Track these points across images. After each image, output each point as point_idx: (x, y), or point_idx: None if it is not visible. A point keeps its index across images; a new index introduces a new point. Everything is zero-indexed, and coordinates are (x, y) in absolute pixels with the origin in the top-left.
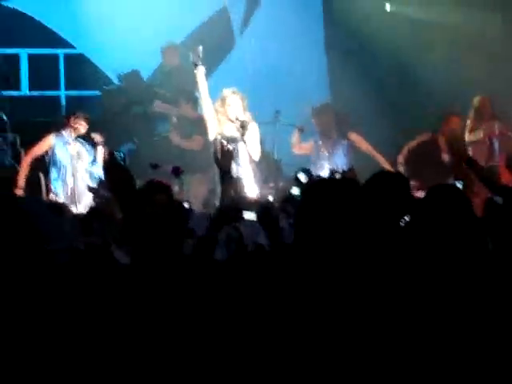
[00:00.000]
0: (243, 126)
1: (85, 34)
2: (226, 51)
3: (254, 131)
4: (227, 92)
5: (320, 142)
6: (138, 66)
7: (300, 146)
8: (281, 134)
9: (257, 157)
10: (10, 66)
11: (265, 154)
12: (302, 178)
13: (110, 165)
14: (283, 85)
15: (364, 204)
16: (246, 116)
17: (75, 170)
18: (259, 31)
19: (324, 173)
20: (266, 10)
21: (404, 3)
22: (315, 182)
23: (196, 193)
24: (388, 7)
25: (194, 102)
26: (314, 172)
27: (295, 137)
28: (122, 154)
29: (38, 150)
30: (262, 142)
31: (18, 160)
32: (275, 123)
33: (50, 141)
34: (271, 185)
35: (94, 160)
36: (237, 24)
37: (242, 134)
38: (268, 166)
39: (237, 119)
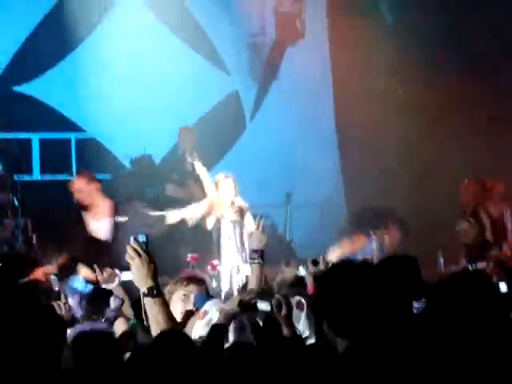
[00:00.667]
0: (241, 211)
1: (96, 118)
2: (237, 134)
3: (250, 216)
4: (220, 176)
5: None
6: (150, 149)
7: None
8: (292, 216)
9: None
10: (21, 150)
11: (277, 236)
12: (311, 267)
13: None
14: (294, 167)
15: (376, 288)
16: (238, 200)
17: None
18: (270, 115)
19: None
20: (277, 96)
21: None
22: (328, 270)
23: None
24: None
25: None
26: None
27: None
28: (144, 238)
29: None
30: (273, 224)
31: (29, 245)
32: (287, 205)
33: None
34: (282, 267)
35: None
36: (248, 108)
37: (241, 218)
38: (280, 248)
39: (233, 203)
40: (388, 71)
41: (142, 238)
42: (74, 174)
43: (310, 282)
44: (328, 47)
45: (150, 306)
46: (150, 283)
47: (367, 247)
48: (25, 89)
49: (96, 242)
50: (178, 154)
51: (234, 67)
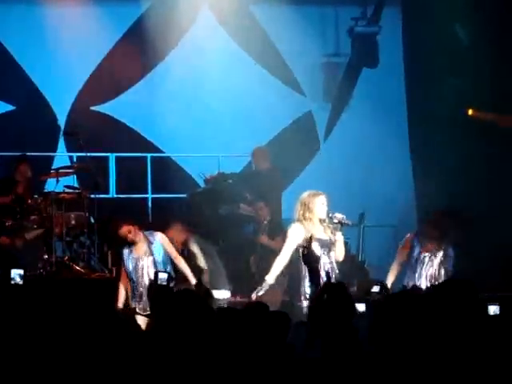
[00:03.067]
0: (340, 223)
1: (171, 137)
2: (310, 154)
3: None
4: (314, 193)
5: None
6: (224, 168)
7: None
8: (366, 237)
9: (342, 257)
10: (98, 169)
11: (349, 256)
12: (376, 290)
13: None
14: (368, 187)
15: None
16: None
17: (141, 270)
18: (344, 135)
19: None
20: (351, 117)
21: None
22: (386, 299)
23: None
24: None
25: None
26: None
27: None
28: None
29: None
30: (346, 244)
31: (104, 263)
32: (360, 225)
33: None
34: (355, 287)
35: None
36: (321, 128)
37: (333, 234)
38: (351, 268)
39: (330, 217)
40: (461, 94)
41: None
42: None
43: None
44: (403, 73)
45: None
46: None
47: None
48: (102, 108)
49: None
50: (252, 172)
51: (308, 87)
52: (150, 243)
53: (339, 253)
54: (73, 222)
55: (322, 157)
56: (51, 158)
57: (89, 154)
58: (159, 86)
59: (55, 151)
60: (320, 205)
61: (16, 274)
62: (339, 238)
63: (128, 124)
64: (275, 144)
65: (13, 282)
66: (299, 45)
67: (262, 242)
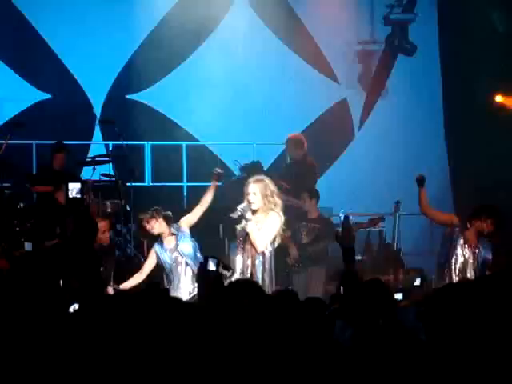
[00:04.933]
0: None
1: (206, 126)
2: (345, 142)
3: None
4: None
5: None
6: (259, 156)
7: (438, 216)
8: (401, 224)
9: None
10: (135, 157)
11: (385, 244)
12: (418, 283)
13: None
14: (403, 175)
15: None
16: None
17: (177, 264)
18: (379, 123)
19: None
20: (386, 105)
21: None
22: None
23: (314, 285)
24: None
25: (318, 199)
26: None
27: (422, 195)
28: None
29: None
30: (382, 232)
31: (140, 250)
32: (395, 213)
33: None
34: (391, 276)
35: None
36: (356, 116)
37: None
38: (387, 256)
39: None
40: (496, 81)
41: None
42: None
43: None
44: (439, 60)
45: None
46: None
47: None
48: (138, 97)
49: None
50: (287, 161)
51: (343, 75)
52: (176, 236)
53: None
54: (109, 210)
55: (356, 144)
56: (87, 147)
57: (125, 143)
58: (194, 74)
59: (91, 139)
60: None
61: None
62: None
63: (163, 112)
64: (310, 132)
65: None
66: (334, 33)
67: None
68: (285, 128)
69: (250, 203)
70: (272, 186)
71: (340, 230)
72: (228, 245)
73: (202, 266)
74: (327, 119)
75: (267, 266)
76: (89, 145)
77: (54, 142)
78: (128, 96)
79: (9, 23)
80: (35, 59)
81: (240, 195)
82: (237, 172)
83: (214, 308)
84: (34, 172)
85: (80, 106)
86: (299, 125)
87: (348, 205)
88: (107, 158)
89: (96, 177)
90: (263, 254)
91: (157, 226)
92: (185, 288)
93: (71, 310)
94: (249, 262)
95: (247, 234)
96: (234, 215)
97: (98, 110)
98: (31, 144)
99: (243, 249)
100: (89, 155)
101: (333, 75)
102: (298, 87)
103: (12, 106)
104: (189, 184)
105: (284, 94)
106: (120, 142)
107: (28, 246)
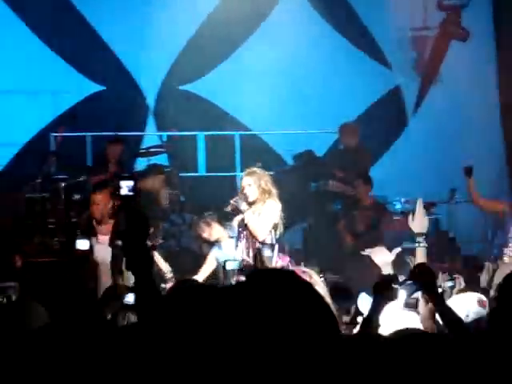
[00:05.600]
0: None
1: (259, 115)
2: (398, 129)
3: None
4: None
5: None
6: (312, 144)
7: (486, 204)
8: (456, 212)
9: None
10: (188, 148)
11: (440, 232)
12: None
13: None
14: (458, 162)
15: None
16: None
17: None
18: (432, 110)
19: None
20: (439, 92)
21: None
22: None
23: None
24: None
25: (371, 186)
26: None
27: (470, 185)
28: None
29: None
30: (437, 220)
31: (194, 240)
32: (451, 201)
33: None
34: (446, 264)
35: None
36: (410, 103)
37: None
38: (442, 244)
39: None
40: None
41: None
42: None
43: None
44: (494, 45)
45: None
46: None
47: None
48: (191, 87)
49: None
50: (340, 149)
51: (396, 62)
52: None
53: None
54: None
55: (410, 132)
56: (141, 138)
57: (178, 134)
58: (247, 63)
59: (144, 131)
60: None
61: None
62: None
63: (216, 103)
64: (363, 120)
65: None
66: (387, 19)
67: (330, 187)
68: (337, 116)
69: (246, 196)
70: (265, 176)
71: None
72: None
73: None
74: (380, 106)
75: (267, 254)
76: (142, 136)
77: (108, 133)
78: (181, 87)
79: (62, 16)
80: (89, 51)
81: (293, 185)
82: (289, 161)
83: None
84: (89, 164)
85: (133, 97)
86: (352, 112)
87: (402, 193)
88: (161, 149)
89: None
90: (263, 244)
91: (214, 232)
92: None
93: (125, 300)
94: (250, 252)
95: (246, 225)
96: (228, 209)
97: (151, 102)
98: (86, 136)
99: (245, 238)
100: (142, 146)
101: (386, 62)
102: (350, 75)
103: (67, 98)
104: (242, 174)
105: (337, 82)
106: (173, 133)
107: (82, 244)
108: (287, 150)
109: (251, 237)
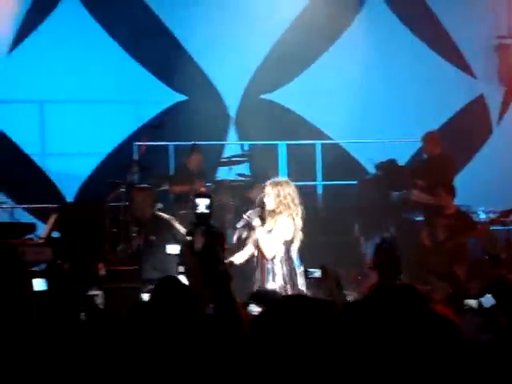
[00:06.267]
0: None
1: (340, 125)
2: (482, 138)
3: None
4: None
5: None
6: (394, 154)
7: None
8: None
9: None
10: (268, 156)
11: None
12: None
13: None
14: None
15: None
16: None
17: None
18: None
19: None
20: None
21: None
22: None
23: None
24: None
25: (454, 194)
26: None
27: None
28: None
29: None
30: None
31: None
32: None
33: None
34: None
35: None
36: (494, 111)
37: None
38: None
39: None
40: None
41: None
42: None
43: None
44: None
45: None
46: None
47: None
48: (272, 96)
49: None
50: (423, 158)
51: (480, 70)
52: None
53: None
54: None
55: (494, 141)
56: (222, 147)
57: (259, 143)
58: (328, 72)
59: (226, 140)
60: None
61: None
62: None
63: (297, 112)
64: (447, 128)
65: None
66: (471, 27)
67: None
68: (420, 125)
69: (264, 204)
70: (288, 189)
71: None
72: (364, 244)
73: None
74: (464, 115)
75: (277, 271)
76: (224, 145)
77: (190, 143)
78: (262, 96)
79: (145, 26)
80: (172, 62)
81: (374, 194)
82: (371, 170)
83: None
84: (172, 173)
85: (215, 106)
86: (435, 121)
87: (485, 203)
88: (243, 158)
89: (232, 177)
90: (272, 261)
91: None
92: None
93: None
94: (258, 268)
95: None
96: (239, 225)
97: (232, 111)
98: (168, 145)
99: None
100: (224, 156)
101: (470, 70)
102: (433, 83)
103: (150, 108)
104: (324, 183)
105: (419, 91)
106: (255, 142)
107: (172, 249)
108: (369, 158)
109: (261, 253)
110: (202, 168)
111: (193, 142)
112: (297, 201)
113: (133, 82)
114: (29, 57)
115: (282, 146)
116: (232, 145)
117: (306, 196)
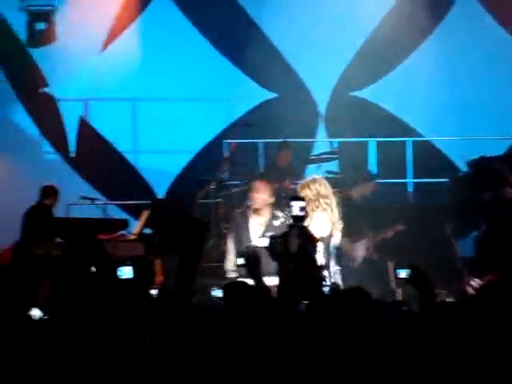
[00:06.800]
0: None
1: (431, 121)
2: None
3: None
4: None
5: None
6: (488, 151)
7: None
8: None
9: None
10: (358, 153)
11: None
12: None
13: None
14: None
15: None
16: None
17: None
18: None
19: None
20: None
21: None
22: None
23: None
24: None
25: None
26: None
27: None
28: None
29: None
30: None
31: None
32: None
33: None
34: None
35: None
36: None
37: None
38: None
39: None
40: None
41: None
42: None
43: None
44: None
45: None
46: None
47: None
48: (362, 93)
49: None
50: None
51: None
52: None
53: None
54: None
55: None
56: (311, 144)
57: (349, 140)
58: (419, 68)
59: (315, 137)
60: None
61: None
62: None
63: (387, 108)
64: None
65: None
66: None
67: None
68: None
69: None
70: (318, 187)
71: None
72: (455, 243)
73: None
74: None
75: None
76: (312, 142)
77: (280, 140)
78: (352, 93)
79: (236, 24)
80: (262, 59)
81: (466, 192)
82: (463, 168)
83: None
84: (261, 171)
85: (304, 104)
86: None
87: None
88: (332, 156)
89: (321, 174)
90: None
91: None
92: None
93: None
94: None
95: None
96: (276, 223)
97: (322, 108)
98: (258, 143)
99: None
100: (313, 153)
101: None
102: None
103: (240, 105)
104: (414, 181)
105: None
106: (344, 140)
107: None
108: (460, 156)
109: None
110: (291, 165)
111: (282, 139)
112: (331, 197)
113: (223, 80)
114: (121, 55)
115: (371, 144)
116: (321, 142)
117: (396, 194)
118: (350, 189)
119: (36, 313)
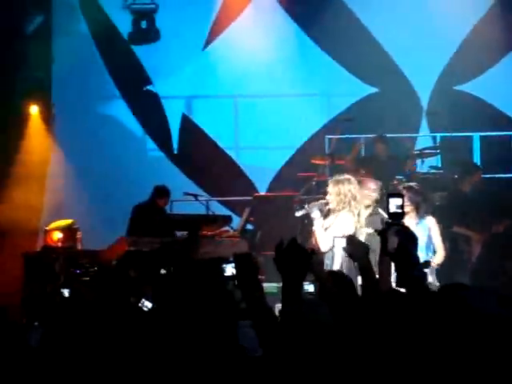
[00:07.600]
0: None
1: None
2: None
3: None
4: None
5: None
6: None
7: None
8: None
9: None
10: (464, 149)
11: None
12: None
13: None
14: None
15: None
16: None
17: None
18: None
19: None
20: None
21: None
22: None
23: None
24: None
25: None
26: None
27: None
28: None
29: None
30: None
31: None
32: None
33: None
34: None
35: None
36: None
37: None
38: None
39: None
40: None
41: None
42: None
43: None
44: None
45: None
46: None
47: None
48: (465, 87)
49: None
50: None
51: None
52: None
53: None
54: (437, 203)
55: None
56: (414, 139)
57: (452, 134)
58: None
59: (418, 132)
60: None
61: None
62: None
63: (491, 102)
64: None
65: None
66: None
67: None
68: None
69: (327, 202)
70: (349, 187)
71: None
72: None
73: None
74: None
75: (335, 267)
76: (415, 137)
77: (382, 135)
78: (455, 87)
79: (340, 21)
80: (363, 54)
81: None
82: None
83: None
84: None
85: (407, 98)
86: None
87: None
88: (435, 151)
89: (424, 169)
90: (332, 257)
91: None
92: None
93: None
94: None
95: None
96: (298, 214)
97: (424, 102)
98: (360, 138)
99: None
100: (416, 147)
101: None
102: None
103: (340, 101)
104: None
105: None
106: (447, 134)
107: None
108: None
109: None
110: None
111: (380, 134)
112: (358, 198)
113: (324, 76)
114: (221, 54)
115: (475, 138)
116: (424, 137)
117: (502, 189)
118: (457, 185)
119: (147, 304)
